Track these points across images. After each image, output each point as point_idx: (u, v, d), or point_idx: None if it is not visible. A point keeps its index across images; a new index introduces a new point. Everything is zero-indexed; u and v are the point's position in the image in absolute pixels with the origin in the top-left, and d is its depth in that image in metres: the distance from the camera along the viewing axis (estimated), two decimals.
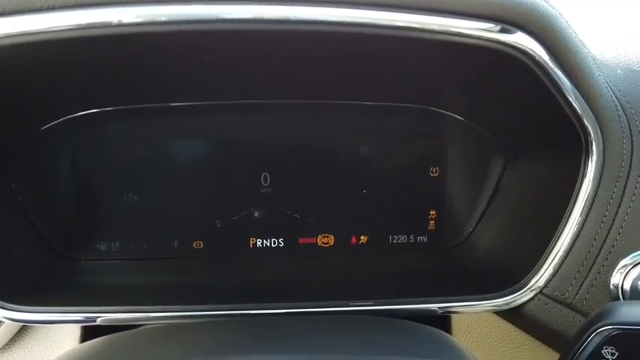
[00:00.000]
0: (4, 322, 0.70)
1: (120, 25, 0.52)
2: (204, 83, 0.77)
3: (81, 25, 0.52)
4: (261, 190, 0.85)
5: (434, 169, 0.86)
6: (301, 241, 0.87)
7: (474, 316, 0.81)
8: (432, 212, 0.88)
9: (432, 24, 0.55)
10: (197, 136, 0.83)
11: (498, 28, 0.55)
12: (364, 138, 0.85)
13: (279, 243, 0.87)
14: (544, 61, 0.57)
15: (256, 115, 0.83)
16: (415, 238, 0.89)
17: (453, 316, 0.81)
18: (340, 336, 0.54)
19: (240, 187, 0.84)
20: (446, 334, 0.59)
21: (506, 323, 0.79)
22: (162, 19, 0.52)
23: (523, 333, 0.79)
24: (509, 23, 0.55)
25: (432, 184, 0.87)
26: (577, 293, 0.66)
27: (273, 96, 0.82)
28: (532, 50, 0.56)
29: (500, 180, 0.83)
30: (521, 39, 0.56)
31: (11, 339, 0.75)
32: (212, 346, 0.56)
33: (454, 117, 0.84)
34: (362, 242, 0.88)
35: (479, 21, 0.55)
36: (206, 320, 0.68)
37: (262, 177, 0.84)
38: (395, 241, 0.89)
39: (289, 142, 0.84)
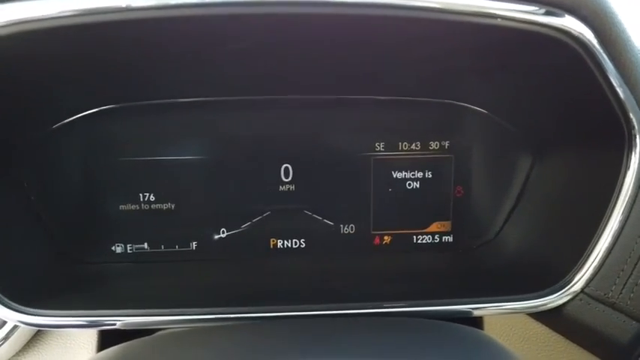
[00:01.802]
0: (18, 328, 0.67)
1: (129, 9, 0.49)
2: (221, 78, 0.74)
3: (89, 9, 0.49)
4: (282, 190, 0.82)
5: (458, 167, 0.83)
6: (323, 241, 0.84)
7: (505, 319, 0.78)
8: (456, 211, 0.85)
9: (462, 5, 0.52)
10: (216, 134, 0.81)
11: (543, 10, 0.52)
12: (385, 135, 0.82)
13: (300, 244, 0.84)
14: (593, 45, 0.54)
15: (275, 111, 0.81)
16: (440, 238, 0.86)
17: (484, 318, 0.78)
18: (386, 339, 0.51)
19: (260, 186, 0.82)
20: (491, 336, 0.56)
21: (538, 325, 0.76)
22: (173, 2, 0.49)
23: (556, 335, 0.76)
24: (556, 6, 0.52)
25: (456, 182, 0.84)
26: (621, 292, 0.63)
27: (293, 91, 0.79)
28: (582, 34, 0.53)
29: (529, 177, 0.81)
30: (570, 22, 0.53)
31: (25, 345, 0.72)
32: (240, 351, 0.53)
33: (479, 111, 0.82)
34: (385, 243, 0.85)
35: (520, 3, 0.52)
36: (229, 324, 0.65)
37: (283, 176, 0.82)
38: (419, 241, 0.86)
39: (310, 140, 0.82)
